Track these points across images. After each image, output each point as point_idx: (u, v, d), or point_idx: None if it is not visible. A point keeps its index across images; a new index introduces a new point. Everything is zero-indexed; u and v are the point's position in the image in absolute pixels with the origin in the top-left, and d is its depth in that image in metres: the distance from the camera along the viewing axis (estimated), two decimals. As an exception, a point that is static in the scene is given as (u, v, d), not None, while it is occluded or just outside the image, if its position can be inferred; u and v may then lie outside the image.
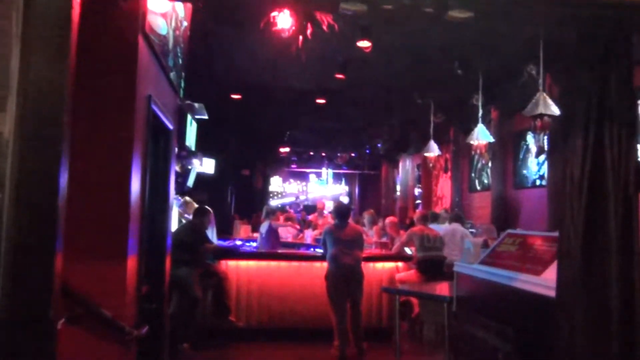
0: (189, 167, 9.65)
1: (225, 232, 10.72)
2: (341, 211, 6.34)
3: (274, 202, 23.11)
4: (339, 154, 19.15)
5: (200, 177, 10.73)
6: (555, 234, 3.05)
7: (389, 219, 8.62)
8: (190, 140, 9.15)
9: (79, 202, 2.52)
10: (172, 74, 3.60)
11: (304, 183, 26.68)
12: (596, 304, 1.82)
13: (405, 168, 17.19)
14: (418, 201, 16.57)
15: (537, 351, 2.44)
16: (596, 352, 1.83)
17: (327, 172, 23.93)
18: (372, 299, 6.48)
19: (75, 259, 2.52)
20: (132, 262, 2.69)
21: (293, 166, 22.64)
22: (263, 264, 6.60)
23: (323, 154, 19.89)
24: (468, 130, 9.25)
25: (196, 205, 7.22)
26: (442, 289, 4.75)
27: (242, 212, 14.74)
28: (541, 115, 6.81)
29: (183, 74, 4.19)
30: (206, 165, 11.76)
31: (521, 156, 10.61)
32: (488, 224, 9.10)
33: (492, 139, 8.78)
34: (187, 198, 8.59)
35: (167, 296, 3.83)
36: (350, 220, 6.52)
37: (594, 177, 1.85)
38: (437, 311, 4.57)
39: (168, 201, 3.74)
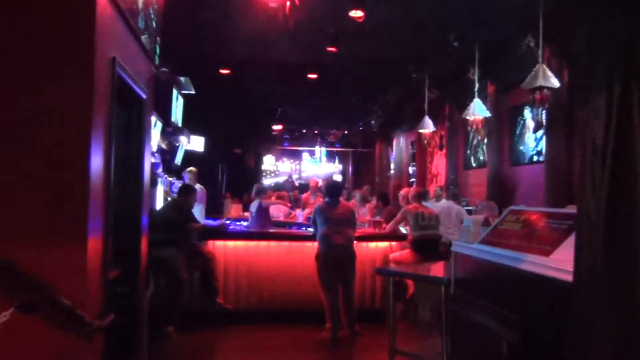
0: (176, 144, 9.40)
1: (216, 211, 10.53)
2: (332, 188, 6.08)
3: (267, 181, 22.91)
4: (331, 131, 18.86)
5: (189, 154, 10.49)
6: (565, 210, 2.81)
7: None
8: (177, 116, 8.86)
9: (30, 179, 2.24)
10: (143, 38, 3.28)
11: (297, 162, 26.45)
12: (621, 281, 1.61)
13: (399, 145, 16.93)
14: (412, 179, 16.36)
15: (547, 339, 2.20)
16: (620, 337, 1.60)
17: (320, 151, 23.66)
18: (365, 279, 6.27)
19: (29, 242, 2.26)
20: (94, 244, 2.41)
21: (286, 144, 22.39)
22: (252, 244, 6.36)
23: (316, 132, 19.62)
24: (463, 105, 9.02)
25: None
26: (438, 269, 4.53)
27: (234, 191, 14.58)
28: (541, 88, 6.57)
29: (158, 39, 3.86)
30: (195, 143, 11.49)
31: (518, 132, 10.37)
32: (489, 200, 8.87)
33: (488, 114, 8.55)
34: (193, 169, 8.42)
35: (143, 279, 3.57)
36: (342, 199, 6.29)
37: (619, 140, 1.64)
38: (433, 293, 4.35)
39: (142, 177, 3.44)
